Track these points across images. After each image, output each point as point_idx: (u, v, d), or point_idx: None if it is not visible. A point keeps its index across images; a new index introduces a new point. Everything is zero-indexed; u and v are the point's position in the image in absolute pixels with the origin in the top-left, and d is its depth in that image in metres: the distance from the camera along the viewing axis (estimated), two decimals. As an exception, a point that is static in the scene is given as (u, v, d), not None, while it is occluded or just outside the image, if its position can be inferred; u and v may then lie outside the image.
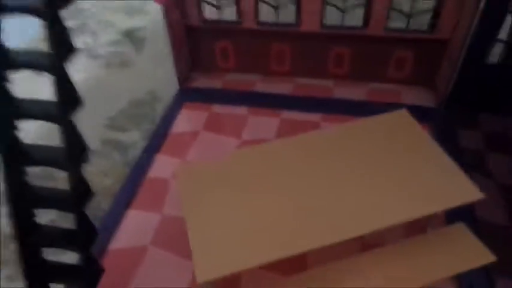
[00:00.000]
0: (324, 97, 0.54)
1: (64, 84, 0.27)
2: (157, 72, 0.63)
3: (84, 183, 0.31)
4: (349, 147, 0.36)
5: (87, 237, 0.31)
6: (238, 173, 0.35)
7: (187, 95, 0.57)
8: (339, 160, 0.35)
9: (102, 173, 0.48)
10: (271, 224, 0.30)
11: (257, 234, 0.30)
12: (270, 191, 0.33)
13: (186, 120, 0.54)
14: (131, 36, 0.72)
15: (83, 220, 0.30)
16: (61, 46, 0.25)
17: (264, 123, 0.52)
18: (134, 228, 0.41)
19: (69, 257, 0.32)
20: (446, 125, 0.49)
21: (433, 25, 0.49)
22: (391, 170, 0.33)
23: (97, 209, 0.44)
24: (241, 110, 0.54)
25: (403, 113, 0.38)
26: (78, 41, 0.71)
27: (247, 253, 0.29)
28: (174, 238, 0.40)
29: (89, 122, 0.56)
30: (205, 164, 0.36)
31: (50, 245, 0.31)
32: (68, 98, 0.28)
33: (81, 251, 0.30)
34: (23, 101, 0.27)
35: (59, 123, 0.27)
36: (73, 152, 0.29)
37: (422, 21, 0.50)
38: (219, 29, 0.56)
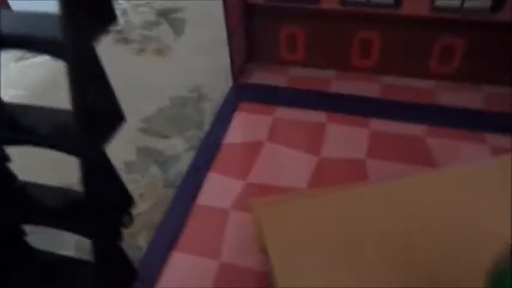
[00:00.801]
0: (426, 103, 0.41)
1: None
2: (202, 64, 0.51)
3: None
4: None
5: None
6: (348, 224, 0.23)
7: (243, 93, 0.45)
8: None
9: (137, 194, 0.36)
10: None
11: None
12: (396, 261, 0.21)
13: (243, 127, 0.41)
14: (168, 18, 0.60)
15: None
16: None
17: (349, 135, 0.39)
18: (182, 280, 0.29)
19: None
20: None
21: None
22: None
23: (132, 246, 0.33)
24: (316, 116, 0.41)
25: None
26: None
27: None
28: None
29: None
30: (294, 203, 0.24)
31: None
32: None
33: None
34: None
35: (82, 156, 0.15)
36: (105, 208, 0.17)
37: None
38: (287, 9, 0.44)
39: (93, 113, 0.14)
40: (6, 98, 0.24)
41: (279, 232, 0.24)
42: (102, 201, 0.17)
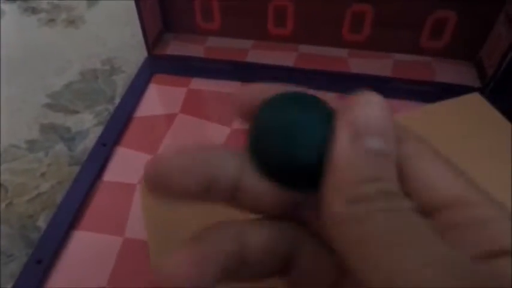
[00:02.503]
0: (338, 71, 0.42)
1: None
2: (116, 35, 0.48)
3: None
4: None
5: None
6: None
7: (157, 64, 0.43)
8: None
9: (38, 173, 0.34)
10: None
11: None
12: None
13: (156, 99, 0.40)
14: (83, -14, 0.56)
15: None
16: None
17: (262, 104, 0.39)
18: (83, 259, 0.28)
19: None
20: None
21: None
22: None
23: (30, 227, 0.31)
24: (230, 87, 0.41)
25: (476, 98, 0.27)
26: (10, -10, 0.54)
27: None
28: (140, 269, 0.28)
29: (24, 99, 0.42)
30: None
31: None
32: None
33: None
34: None
35: None
36: None
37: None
38: (200, -24, 0.42)
39: None
40: None
41: (156, 203, 0.23)
42: None
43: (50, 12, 0.51)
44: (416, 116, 0.26)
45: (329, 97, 0.14)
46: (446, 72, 0.41)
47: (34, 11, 0.52)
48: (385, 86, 0.41)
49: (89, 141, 0.37)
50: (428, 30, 0.41)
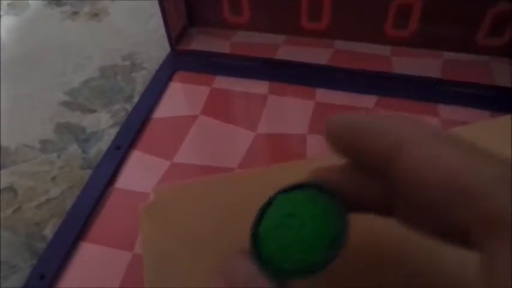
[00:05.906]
0: (379, 71, 0.37)
1: None
2: (139, 28, 0.46)
3: None
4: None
5: None
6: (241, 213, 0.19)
7: (179, 60, 0.40)
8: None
9: (49, 177, 0.32)
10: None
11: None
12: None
13: (176, 99, 0.37)
14: (109, -22, 0.53)
15: None
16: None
17: (292, 107, 0.35)
18: (89, 275, 0.26)
19: None
20: None
21: None
22: None
23: (37, 236, 0.29)
24: (258, 87, 0.37)
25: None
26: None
27: None
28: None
29: (40, 96, 0.40)
30: (185, 187, 0.21)
31: None
32: None
33: None
34: None
35: None
36: None
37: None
38: (228, -36, 0.39)
39: None
40: None
41: (156, 231, 0.20)
42: None
43: (74, 5, 0.50)
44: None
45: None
46: (507, 73, 0.36)
47: (58, 3, 0.50)
48: (433, 89, 0.36)
49: (104, 143, 0.34)
50: (487, 25, 0.35)
